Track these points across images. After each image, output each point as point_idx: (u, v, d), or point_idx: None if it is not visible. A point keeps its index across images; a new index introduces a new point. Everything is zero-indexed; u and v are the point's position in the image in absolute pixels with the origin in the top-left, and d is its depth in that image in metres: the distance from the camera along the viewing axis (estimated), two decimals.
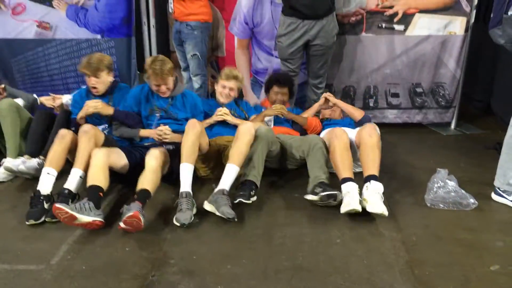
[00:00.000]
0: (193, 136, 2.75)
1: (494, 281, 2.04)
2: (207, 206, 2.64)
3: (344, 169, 2.75)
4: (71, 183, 2.68)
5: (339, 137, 2.88)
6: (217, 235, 2.44)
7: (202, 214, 2.65)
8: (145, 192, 2.57)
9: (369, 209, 2.51)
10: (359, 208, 2.51)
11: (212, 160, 3.17)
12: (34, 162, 3.13)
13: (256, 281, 2.03)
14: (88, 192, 2.56)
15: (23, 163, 3.09)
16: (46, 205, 2.63)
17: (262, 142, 2.89)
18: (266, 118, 3.52)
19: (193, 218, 2.53)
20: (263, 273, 2.09)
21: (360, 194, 2.63)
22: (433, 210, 2.71)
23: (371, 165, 2.74)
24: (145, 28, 4.60)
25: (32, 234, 2.46)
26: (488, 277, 2.07)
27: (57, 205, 2.36)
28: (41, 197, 2.64)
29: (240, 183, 2.79)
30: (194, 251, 2.27)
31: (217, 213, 2.55)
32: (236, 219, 2.50)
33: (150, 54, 4.65)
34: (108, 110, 3.16)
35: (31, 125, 3.35)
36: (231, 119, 3.35)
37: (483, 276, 2.07)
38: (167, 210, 2.69)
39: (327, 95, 3.72)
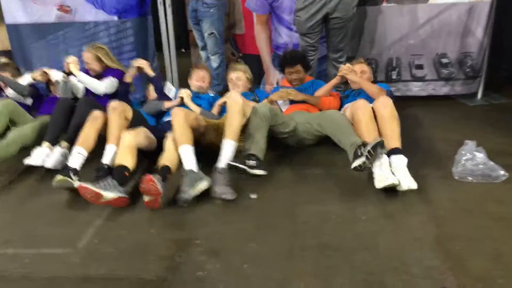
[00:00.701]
0: (178, 122, 2.72)
1: None
2: (203, 185, 2.59)
3: (371, 140, 2.64)
4: (108, 157, 2.79)
5: (363, 108, 2.80)
6: (239, 215, 2.42)
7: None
8: (165, 167, 2.60)
9: (398, 186, 2.46)
10: (397, 182, 2.45)
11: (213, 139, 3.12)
12: (56, 154, 3.02)
13: (281, 260, 2.01)
14: (113, 171, 2.62)
15: (47, 158, 3.02)
16: (73, 177, 2.68)
17: (258, 116, 2.86)
18: (280, 102, 3.46)
19: (193, 195, 2.49)
20: (289, 251, 2.07)
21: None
22: (461, 184, 2.63)
23: (391, 136, 2.67)
24: (161, 7, 4.56)
25: (58, 218, 2.49)
26: None
27: (83, 184, 2.42)
28: (70, 169, 2.70)
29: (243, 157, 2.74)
30: (218, 231, 2.26)
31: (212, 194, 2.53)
32: (229, 197, 2.49)
33: (167, 34, 4.62)
34: (150, 71, 3.47)
35: (53, 111, 3.31)
36: (188, 101, 3.36)
37: None
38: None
39: (345, 70, 3.45)
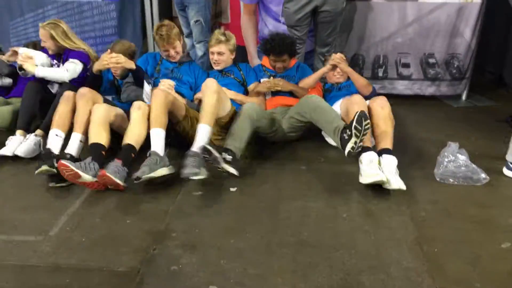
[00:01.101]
0: (156, 104, 2.68)
1: (505, 258, 1.97)
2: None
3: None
4: (72, 147, 2.68)
5: (360, 104, 2.73)
6: (220, 208, 2.38)
7: (204, 186, 2.58)
8: (127, 147, 2.59)
9: (385, 184, 2.44)
10: (385, 179, 2.42)
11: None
12: (29, 142, 2.94)
13: (259, 256, 1.97)
14: (91, 151, 2.59)
15: (19, 147, 2.91)
16: (55, 164, 2.57)
17: (244, 117, 2.80)
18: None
19: (148, 174, 2.43)
20: (267, 247, 2.03)
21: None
22: (442, 185, 2.63)
23: (384, 137, 2.65)
24: None
25: (31, 204, 2.41)
26: (499, 255, 2.00)
27: (63, 161, 2.40)
28: (52, 154, 2.64)
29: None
30: (197, 224, 2.21)
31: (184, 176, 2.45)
32: (196, 176, 2.42)
33: (152, 20, 4.52)
34: (131, 64, 3.05)
35: (22, 99, 3.18)
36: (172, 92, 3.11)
37: (494, 254, 2.00)
38: (169, 181, 2.62)
39: (337, 59, 3.35)
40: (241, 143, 2.71)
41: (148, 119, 2.69)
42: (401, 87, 4.53)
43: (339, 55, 3.39)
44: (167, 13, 4.73)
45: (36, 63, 3.24)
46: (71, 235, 2.12)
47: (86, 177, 2.43)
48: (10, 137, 3.00)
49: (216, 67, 3.41)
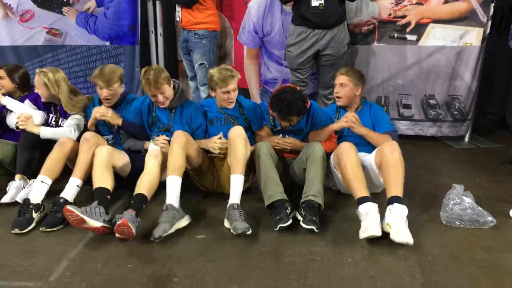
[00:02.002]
0: (177, 148, 2.66)
1: None
2: (226, 223, 2.57)
3: (359, 187, 2.56)
4: (68, 192, 2.66)
5: (347, 153, 2.67)
6: (223, 252, 2.34)
7: (208, 229, 2.56)
8: (140, 197, 2.53)
9: (393, 236, 2.33)
10: (379, 233, 2.35)
11: (210, 173, 3.07)
12: (28, 190, 2.86)
13: None
14: (96, 195, 2.56)
15: (19, 194, 2.87)
16: (35, 214, 2.57)
17: (264, 155, 2.78)
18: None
19: (168, 231, 2.43)
20: None
21: (382, 217, 2.46)
22: (449, 228, 2.59)
23: (394, 185, 2.54)
24: (152, 36, 4.56)
25: (31, 248, 2.37)
26: None
27: (68, 207, 2.35)
28: (30, 206, 2.59)
29: (267, 208, 2.67)
30: (199, 269, 2.16)
31: (232, 230, 2.46)
32: (249, 231, 2.41)
33: (157, 63, 4.61)
34: (117, 120, 3.07)
35: (19, 142, 3.13)
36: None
37: None
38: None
39: (351, 123, 2.99)
40: (279, 185, 2.72)
41: (163, 165, 2.69)
42: (403, 127, 4.56)
43: (352, 115, 3.02)
44: (173, 57, 4.83)
45: (36, 123, 3.14)
46: (71, 280, 2.08)
47: (92, 222, 2.39)
48: (10, 182, 2.98)
49: (231, 106, 3.06)
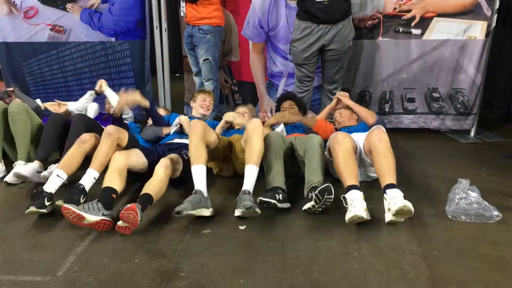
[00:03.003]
0: (195, 138, 2.73)
1: None
2: (236, 212, 2.61)
3: (348, 176, 2.60)
4: (86, 180, 2.67)
5: (341, 143, 2.73)
6: (229, 247, 2.35)
7: (214, 225, 2.57)
8: (147, 196, 2.55)
9: (391, 207, 2.43)
10: (363, 215, 2.40)
11: (221, 156, 3.17)
12: (46, 172, 3.02)
13: None
14: (101, 193, 2.58)
15: (36, 173, 3.02)
16: (47, 202, 2.59)
17: (273, 146, 2.88)
18: (278, 129, 3.42)
19: (189, 211, 2.46)
20: None
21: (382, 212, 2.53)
22: (454, 223, 2.59)
23: (386, 173, 2.60)
24: (157, 32, 4.57)
25: (39, 243, 2.39)
26: None
27: (65, 205, 2.38)
28: (44, 193, 2.61)
29: (265, 192, 2.73)
30: (205, 264, 2.18)
31: (240, 213, 2.53)
32: (257, 209, 2.47)
33: (162, 58, 4.63)
34: (146, 102, 3.29)
35: (43, 130, 3.29)
36: (187, 128, 3.22)
37: None
38: (178, 220, 2.61)
39: (340, 95, 3.66)
40: (282, 174, 2.81)
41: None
42: (407, 121, 4.56)
43: (342, 92, 3.69)
44: (177, 52, 4.84)
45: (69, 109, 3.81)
46: (79, 275, 2.10)
47: (90, 217, 2.40)
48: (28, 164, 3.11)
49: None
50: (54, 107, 3.69)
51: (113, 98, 3.75)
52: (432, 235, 2.45)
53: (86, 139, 2.83)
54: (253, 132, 2.78)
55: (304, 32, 3.81)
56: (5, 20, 4.67)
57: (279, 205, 2.64)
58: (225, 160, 3.21)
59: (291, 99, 3.79)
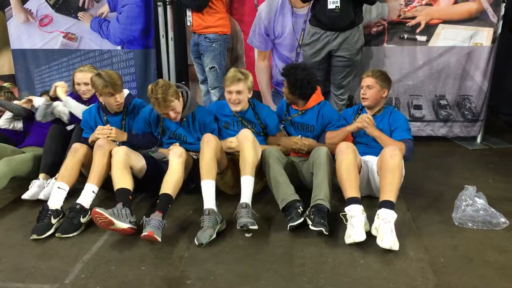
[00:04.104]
0: (209, 152, 2.68)
1: None
2: (237, 225, 2.56)
3: (350, 187, 2.58)
4: (84, 198, 2.68)
5: (345, 152, 2.69)
6: (236, 255, 2.36)
7: (220, 232, 2.58)
8: (166, 197, 2.57)
9: (378, 241, 2.35)
10: (362, 238, 2.36)
11: (231, 174, 3.08)
12: (50, 188, 3.00)
13: None
14: (118, 196, 2.60)
15: (42, 191, 3.02)
16: (53, 220, 2.60)
17: (273, 161, 2.83)
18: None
19: (213, 236, 2.47)
20: None
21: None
22: (461, 230, 2.58)
23: (387, 189, 2.53)
24: (163, 40, 4.60)
25: (47, 251, 2.41)
26: None
27: (97, 209, 2.40)
28: (49, 212, 2.61)
29: (282, 211, 2.69)
30: (212, 271, 2.19)
31: (237, 227, 2.49)
32: (253, 226, 2.44)
33: (168, 67, 4.66)
34: (122, 137, 3.06)
35: (45, 141, 3.28)
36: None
37: None
38: (185, 226, 2.63)
39: (365, 123, 2.99)
40: (289, 187, 2.76)
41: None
42: (414, 128, 4.53)
43: (366, 116, 3.02)
44: (183, 61, 4.87)
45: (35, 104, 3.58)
46: (86, 282, 2.11)
47: (120, 224, 2.44)
48: (34, 181, 3.07)
49: (235, 108, 3.09)
50: (27, 104, 3.70)
51: (75, 108, 3.43)
52: (439, 242, 2.45)
53: (77, 148, 2.84)
54: (244, 143, 2.75)
55: (313, 38, 3.87)
56: (22, 28, 4.78)
57: (304, 217, 2.58)
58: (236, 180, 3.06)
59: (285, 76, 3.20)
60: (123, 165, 2.72)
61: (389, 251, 2.32)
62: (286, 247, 2.41)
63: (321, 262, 2.26)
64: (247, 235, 2.53)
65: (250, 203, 2.59)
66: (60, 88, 3.40)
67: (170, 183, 2.62)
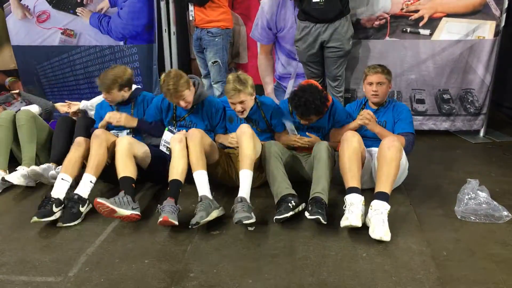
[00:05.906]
0: (195, 146, 2.74)
1: None
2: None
3: (351, 177, 2.57)
4: (82, 188, 2.72)
5: (349, 141, 2.67)
6: (239, 248, 2.37)
7: (223, 225, 2.59)
8: (175, 182, 2.64)
9: (370, 233, 2.36)
10: (359, 224, 2.37)
11: (227, 166, 3.12)
12: (54, 172, 3.13)
13: None
14: (121, 185, 2.67)
15: (50, 172, 3.11)
16: (55, 209, 2.62)
17: (271, 156, 2.85)
18: (288, 127, 3.29)
19: (205, 218, 2.47)
20: None
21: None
22: (463, 223, 2.58)
23: (383, 180, 2.53)
24: (165, 35, 4.60)
25: (51, 244, 2.43)
26: None
27: (98, 199, 2.47)
28: (51, 200, 2.64)
29: (276, 204, 2.69)
30: (215, 264, 2.20)
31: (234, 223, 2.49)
32: (247, 220, 2.42)
33: (171, 61, 4.66)
34: (131, 123, 3.19)
35: (54, 132, 3.38)
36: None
37: None
38: (188, 220, 2.62)
39: (366, 120, 3.00)
40: (286, 181, 2.77)
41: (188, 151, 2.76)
42: (416, 122, 4.51)
43: (367, 113, 3.02)
44: (185, 55, 4.87)
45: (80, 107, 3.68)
46: (90, 275, 2.13)
47: (122, 211, 2.50)
48: (22, 167, 3.21)
49: (241, 116, 3.09)
50: (64, 108, 3.73)
51: (96, 100, 3.64)
52: (441, 235, 2.45)
53: (80, 142, 2.88)
54: (242, 137, 2.77)
55: (304, 32, 3.89)
56: (19, 24, 4.76)
57: (296, 211, 2.60)
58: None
59: (314, 114, 2.98)
60: (126, 153, 2.78)
61: (392, 244, 2.33)
62: (289, 241, 2.42)
63: (323, 255, 2.27)
64: (250, 228, 2.54)
65: (247, 197, 2.60)
66: (66, 106, 3.65)
67: (177, 169, 2.69)
